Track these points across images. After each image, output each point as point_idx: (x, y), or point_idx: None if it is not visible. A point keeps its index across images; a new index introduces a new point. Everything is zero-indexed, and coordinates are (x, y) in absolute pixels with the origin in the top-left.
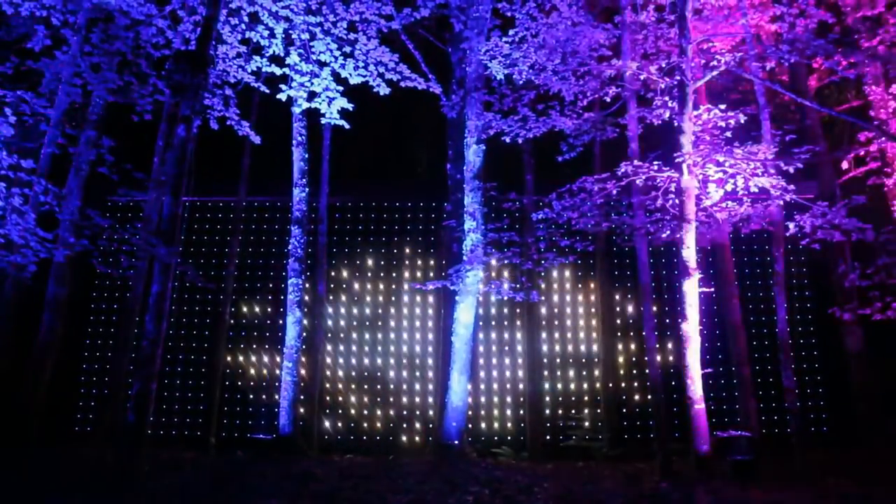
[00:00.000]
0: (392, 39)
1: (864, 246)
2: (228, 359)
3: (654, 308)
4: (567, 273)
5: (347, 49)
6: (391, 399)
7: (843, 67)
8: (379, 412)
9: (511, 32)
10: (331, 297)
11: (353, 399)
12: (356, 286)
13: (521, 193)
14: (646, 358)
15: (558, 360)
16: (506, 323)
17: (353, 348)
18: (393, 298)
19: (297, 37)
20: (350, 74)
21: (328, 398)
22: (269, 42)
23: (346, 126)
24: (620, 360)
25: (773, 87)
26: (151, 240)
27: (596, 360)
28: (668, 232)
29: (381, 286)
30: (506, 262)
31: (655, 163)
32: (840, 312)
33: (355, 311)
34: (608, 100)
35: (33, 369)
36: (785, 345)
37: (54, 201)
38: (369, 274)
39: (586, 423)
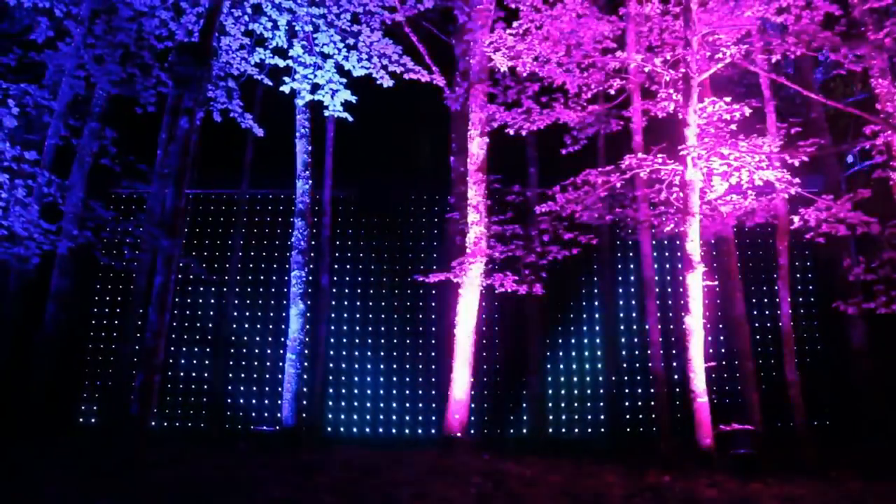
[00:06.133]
0: (395, 31)
1: (868, 240)
2: (232, 351)
3: (657, 301)
4: (571, 266)
5: (351, 41)
6: (394, 391)
7: (850, 60)
8: (382, 404)
9: (515, 24)
10: (334, 290)
11: (356, 391)
12: (359, 278)
13: (524, 186)
14: (648, 351)
15: (561, 353)
16: (509, 316)
17: (357, 340)
18: (396, 291)
19: (300, 28)
20: (353, 66)
21: (331, 390)
22: (272, 34)
23: (350, 118)
24: (623, 353)
25: (778, 80)
26: (154, 232)
27: (599, 353)
28: (672, 225)
29: (385, 278)
30: (509, 254)
31: (660, 156)
32: (844, 306)
33: (359, 303)
34: (612, 92)
35: (37, 361)
36: (788, 338)
37: (58, 193)
38: (372, 266)
39: (590, 416)
